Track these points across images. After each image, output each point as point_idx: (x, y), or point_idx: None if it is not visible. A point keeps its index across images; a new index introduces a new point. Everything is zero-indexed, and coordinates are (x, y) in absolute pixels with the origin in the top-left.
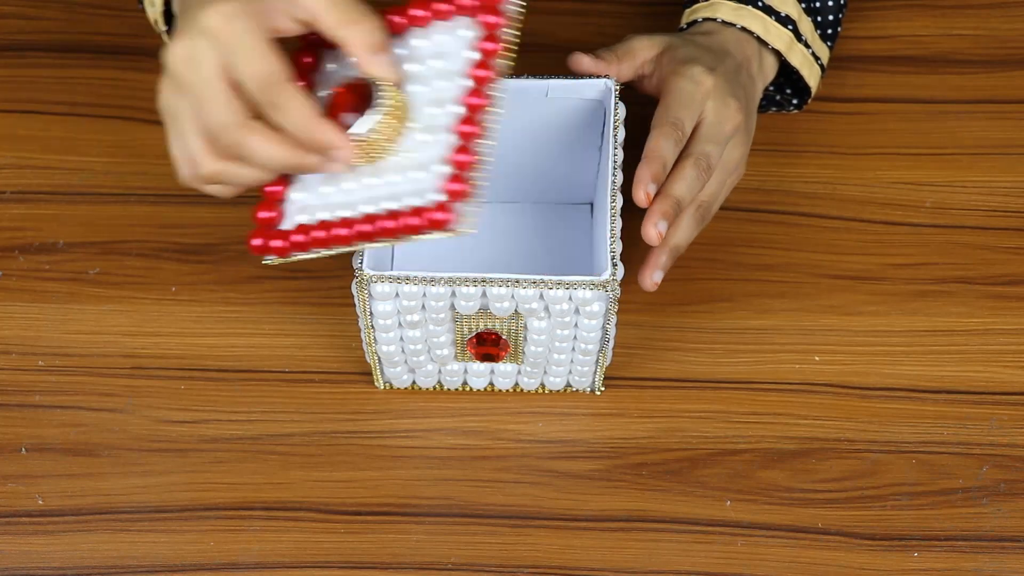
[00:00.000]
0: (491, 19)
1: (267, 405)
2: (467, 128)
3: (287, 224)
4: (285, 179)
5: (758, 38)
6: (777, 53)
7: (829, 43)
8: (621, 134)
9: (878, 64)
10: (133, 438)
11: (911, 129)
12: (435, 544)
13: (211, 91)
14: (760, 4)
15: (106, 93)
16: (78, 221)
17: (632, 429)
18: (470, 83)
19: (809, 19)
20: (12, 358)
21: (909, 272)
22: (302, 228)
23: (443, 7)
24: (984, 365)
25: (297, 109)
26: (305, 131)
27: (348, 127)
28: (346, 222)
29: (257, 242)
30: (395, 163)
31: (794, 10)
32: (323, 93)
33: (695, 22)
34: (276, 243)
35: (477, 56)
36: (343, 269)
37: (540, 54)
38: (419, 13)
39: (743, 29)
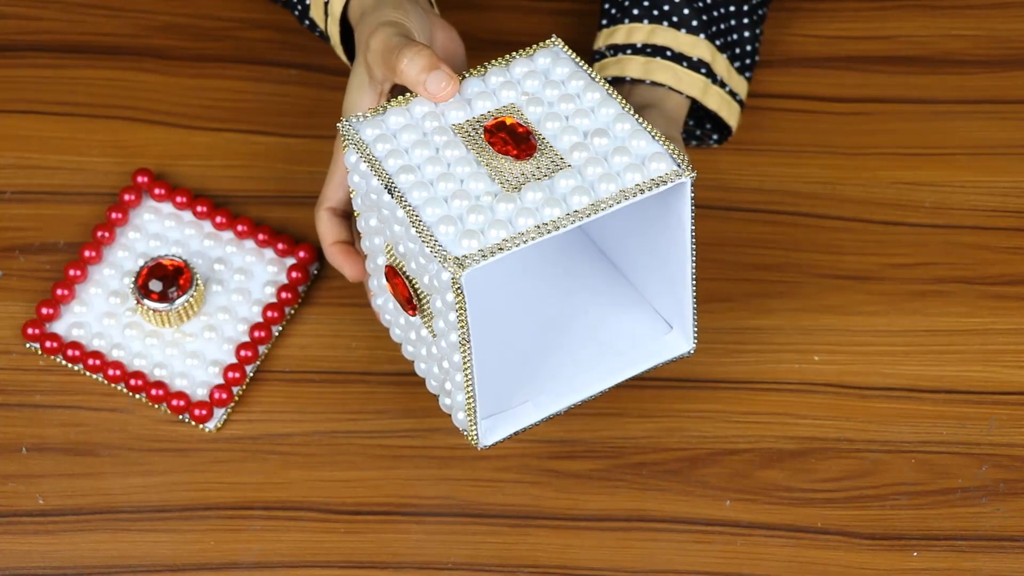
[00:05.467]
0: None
1: (267, 405)
2: (246, 353)
3: None
4: None
5: (670, 88)
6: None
7: (748, 74)
8: None
9: (878, 64)
10: (133, 438)
11: (911, 129)
12: (435, 544)
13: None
14: (669, 54)
15: (106, 93)
16: (78, 221)
17: (632, 429)
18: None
19: (724, 56)
20: (12, 358)
21: (909, 272)
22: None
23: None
24: (983, 365)
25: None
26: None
27: (156, 293)
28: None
29: None
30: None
31: (706, 53)
32: None
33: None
34: None
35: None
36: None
37: None
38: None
39: (654, 83)
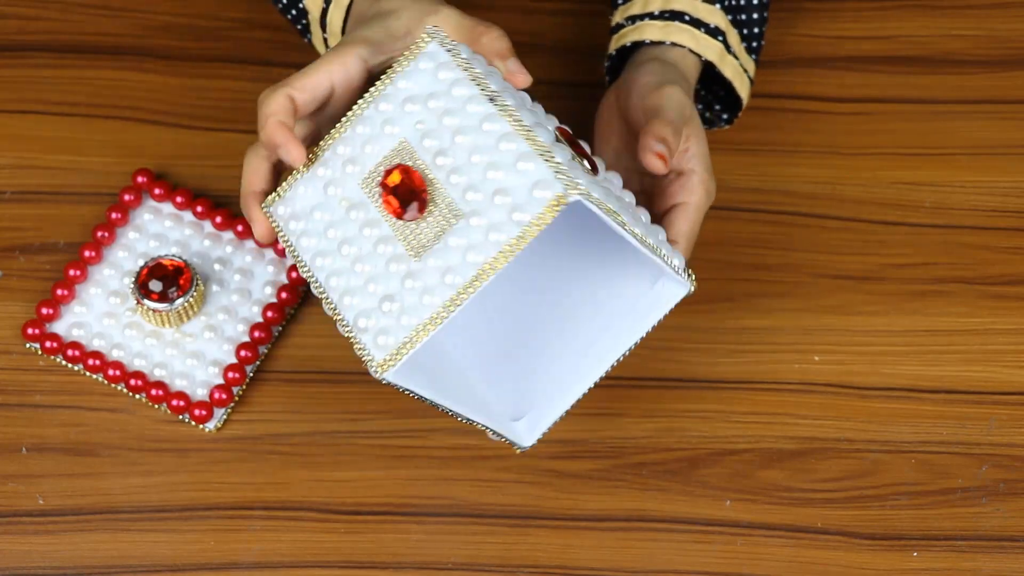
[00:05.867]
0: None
1: (267, 405)
2: (246, 353)
3: None
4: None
5: (690, 50)
6: (709, 65)
7: (754, 56)
8: None
9: (878, 64)
10: (133, 438)
11: (911, 129)
12: (435, 544)
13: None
14: (687, 18)
15: (106, 93)
16: (78, 221)
17: (632, 429)
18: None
19: (736, 31)
20: (12, 358)
21: (909, 272)
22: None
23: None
24: (984, 365)
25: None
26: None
27: (156, 293)
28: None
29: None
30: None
31: (722, 22)
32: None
33: (624, 47)
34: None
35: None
36: None
37: (540, 54)
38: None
39: (673, 44)
